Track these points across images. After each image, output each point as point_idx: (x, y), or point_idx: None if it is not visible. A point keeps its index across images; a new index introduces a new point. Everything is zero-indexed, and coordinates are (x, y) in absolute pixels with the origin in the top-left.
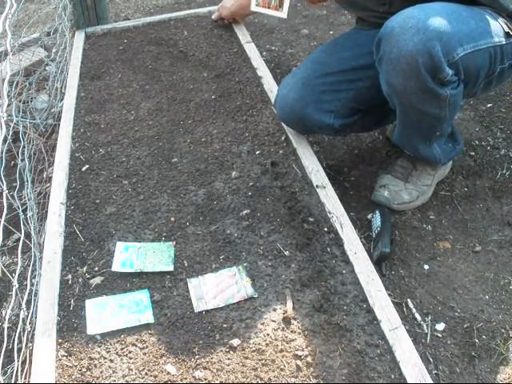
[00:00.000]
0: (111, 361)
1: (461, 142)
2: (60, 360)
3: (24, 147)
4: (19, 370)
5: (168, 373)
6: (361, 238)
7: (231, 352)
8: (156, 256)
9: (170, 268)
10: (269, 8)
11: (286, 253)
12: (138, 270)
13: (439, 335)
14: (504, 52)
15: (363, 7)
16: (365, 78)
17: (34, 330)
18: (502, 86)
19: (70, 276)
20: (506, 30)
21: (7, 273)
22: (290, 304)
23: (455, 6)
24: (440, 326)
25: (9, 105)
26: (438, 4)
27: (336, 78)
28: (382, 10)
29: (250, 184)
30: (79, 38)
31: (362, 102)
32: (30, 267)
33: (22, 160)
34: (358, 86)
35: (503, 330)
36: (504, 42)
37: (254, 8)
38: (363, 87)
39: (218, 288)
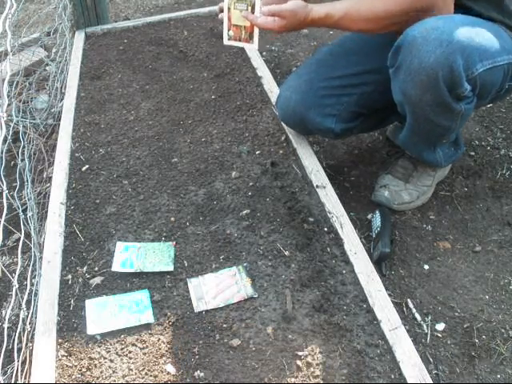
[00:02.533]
0: (111, 361)
1: (462, 146)
2: (60, 360)
3: (24, 147)
4: (19, 370)
5: (168, 373)
6: (361, 238)
7: (231, 352)
8: (156, 256)
9: (170, 268)
10: (240, 41)
11: (286, 253)
12: (138, 270)
13: (439, 335)
14: None
15: None
16: (369, 83)
17: (33, 330)
18: None
19: (70, 276)
20: None
21: (7, 273)
22: (289, 304)
23: (475, 19)
24: (440, 326)
25: (9, 105)
26: (459, 16)
27: (340, 82)
28: None
29: (250, 184)
30: (79, 38)
31: (365, 106)
32: (30, 267)
33: (22, 160)
34: (362, 91)
35: (503, 330)
36: None
37: (226, 42)
38: (367, 91)
39: (217, 288)
